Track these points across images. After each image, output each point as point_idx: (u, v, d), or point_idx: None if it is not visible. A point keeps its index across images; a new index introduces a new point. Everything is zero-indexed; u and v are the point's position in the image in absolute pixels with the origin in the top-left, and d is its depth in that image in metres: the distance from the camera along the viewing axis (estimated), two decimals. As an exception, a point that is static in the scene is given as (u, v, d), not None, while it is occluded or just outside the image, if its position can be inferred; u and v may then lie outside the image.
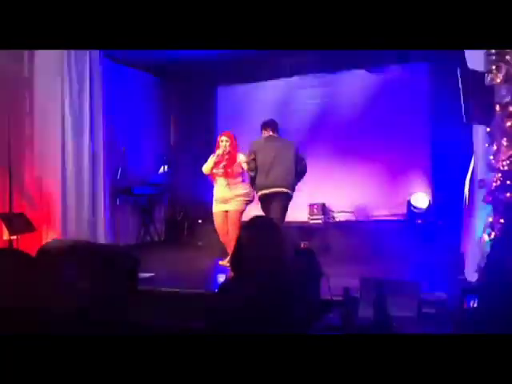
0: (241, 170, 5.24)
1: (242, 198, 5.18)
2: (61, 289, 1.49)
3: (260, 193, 5.12)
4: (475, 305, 2.74)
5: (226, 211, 5.21)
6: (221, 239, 5.35)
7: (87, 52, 5.45)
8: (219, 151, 5.17)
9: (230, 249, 5.10)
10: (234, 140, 5.25)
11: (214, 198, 5.31)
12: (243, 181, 5.33)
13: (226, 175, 5.18)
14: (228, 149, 5.17)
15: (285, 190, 5.04)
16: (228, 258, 4.88)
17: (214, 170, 5.20)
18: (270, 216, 4.81)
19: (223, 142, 5.21)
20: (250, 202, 5.26)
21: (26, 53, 5.23)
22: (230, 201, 5.18)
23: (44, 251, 1.72)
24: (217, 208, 5.27)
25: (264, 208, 5.09)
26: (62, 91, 5.32)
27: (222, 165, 5.19)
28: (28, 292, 1.37)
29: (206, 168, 5.24)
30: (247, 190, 5.23)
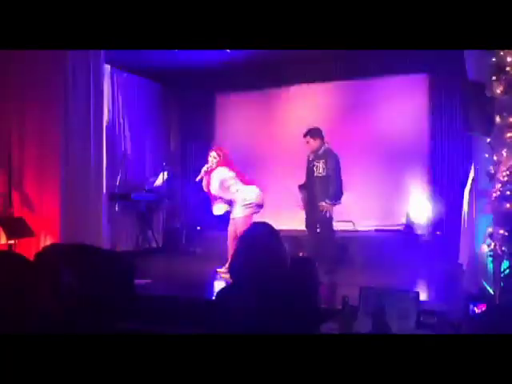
0: (226, 185, 5.09)
1: (241, 205, 5.14)
2: (58, 292, 1.48)
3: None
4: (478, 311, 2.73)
5: (233, 218, 5.22)
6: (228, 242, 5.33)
7: (89, 57, 5.44)
8: (204, 168, 5.18)
9: (230, 255, 5.11)
10: (222, 157, 5.14)
11: None
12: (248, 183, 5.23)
13: (211, 196, 5.23)
14: (214, 166, 5.14)
15: None
16: (226, 265, 4.86)
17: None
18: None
19: (211, 157, 5.16)
20: (256, 206, 5.16)
21: (28, 55, 5.22)
22: (232, 209, 5.20)
23: (42, 254, 1.71)
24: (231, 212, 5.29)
25: None
26: (63, 96, 5.32)
27: (204, 186, 5.20)
28: (25, 294, 1.35)
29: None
30: (246, 196, 5.17)
